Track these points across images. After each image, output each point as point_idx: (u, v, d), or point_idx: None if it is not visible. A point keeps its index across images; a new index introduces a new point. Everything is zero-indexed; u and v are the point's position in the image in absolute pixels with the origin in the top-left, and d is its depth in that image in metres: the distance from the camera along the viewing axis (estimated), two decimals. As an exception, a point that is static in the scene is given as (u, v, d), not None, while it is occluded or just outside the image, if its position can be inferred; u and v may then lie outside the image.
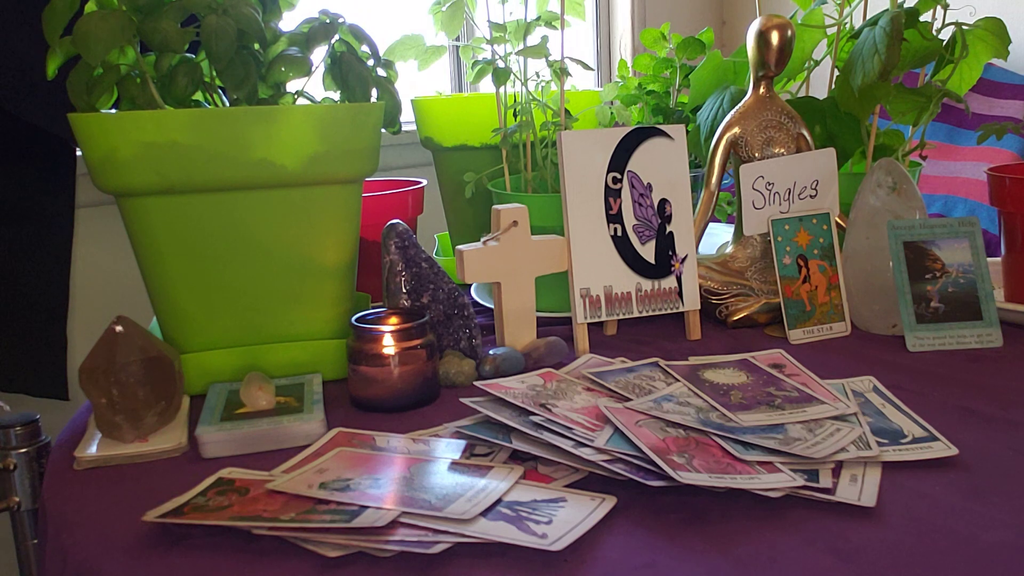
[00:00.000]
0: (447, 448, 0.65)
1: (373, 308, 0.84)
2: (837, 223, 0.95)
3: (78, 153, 1.18)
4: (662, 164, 0.90)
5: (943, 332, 0.86)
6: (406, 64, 1.03)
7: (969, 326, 0.86)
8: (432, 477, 0.59)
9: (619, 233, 0.88)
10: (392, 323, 0.78)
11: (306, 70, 0.81)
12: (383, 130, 0.84)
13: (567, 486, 0.59)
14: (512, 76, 0.98)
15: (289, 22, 0.86)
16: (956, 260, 0.88)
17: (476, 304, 1.05)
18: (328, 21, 0.83)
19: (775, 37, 0.93)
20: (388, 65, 0.90)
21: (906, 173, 0.91)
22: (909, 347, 0.86)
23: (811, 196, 0.95)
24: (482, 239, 0.83)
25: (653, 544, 0.53)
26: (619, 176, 0.88)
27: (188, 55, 0.79)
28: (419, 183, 1.17)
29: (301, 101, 0.85)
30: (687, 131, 0.98)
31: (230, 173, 0.75)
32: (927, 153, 1.07)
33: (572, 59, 0.97)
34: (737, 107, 0.98)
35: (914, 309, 0.87)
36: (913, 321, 0.87)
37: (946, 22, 0.96)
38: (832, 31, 1.05)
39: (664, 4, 2.29)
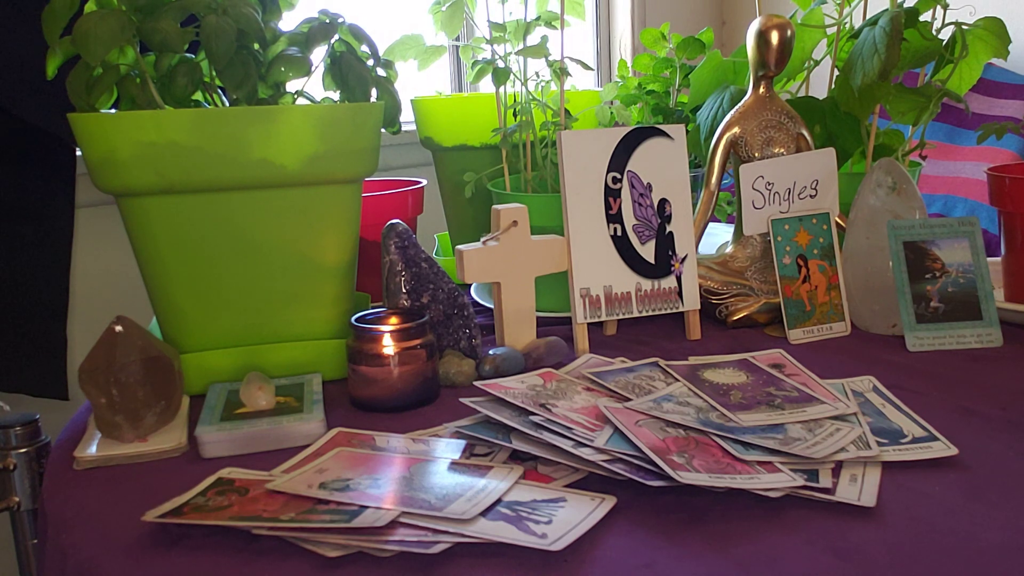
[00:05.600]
0: (447, 448, 0.65)
1: (373, 308, 0.84)
2: (837, 223, 0.95)
3: (78, 153, 1.18)
4: (662, 164, 0.90)
5: (943, 332, 0.86)
6: (406, 64, 1.03)
7: (969, 326, 0.86)
8: (432, 477, 0.59)
9: (619, 233, 0.88)
10: (392, 323, 0.78)
11: (306, 70, 0.81)
12: (383, 130, 0.84)
13: (567, 486, 0.59)
14: (512, 76, 0.98)
15: (289, 22, 0.86)
16: (956, 260, 0.88)
17: (476, 304, 1.05)
18: (328, 21, 0.83)
19: (775, 37, 0.93)
20: (388, 65, 0.90)
21: (906, 173, 0.91)
22: (909, 347, 0.86)
23: (811, 196, 0.95)
24: (482, 239, 0.83)
25: (653, 544, 0.53)
26: (619, 176, 0.88)
27: (188, 55, 0.79)
28: (419, 183, 1.17)
29: (301, 101, 0.85)
30: (687, 131, 0.98)
31: (230, 173, 0.75)
32: (927, 153, 1.07)
33: (572, 59, 0.97)
34: (737, 107, 0.98)
35: (914, 309, 0.87)
36: (913, 321, 0.87)
37: (946, 22, 0.96)
38: (832, 31, 1.05)
39: (664, 4, 2.29)
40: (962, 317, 0.87)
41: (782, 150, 0.95)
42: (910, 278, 0.87)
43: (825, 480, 0.58)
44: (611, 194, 0.88)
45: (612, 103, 1.18)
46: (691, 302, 0.92)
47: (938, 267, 0.88)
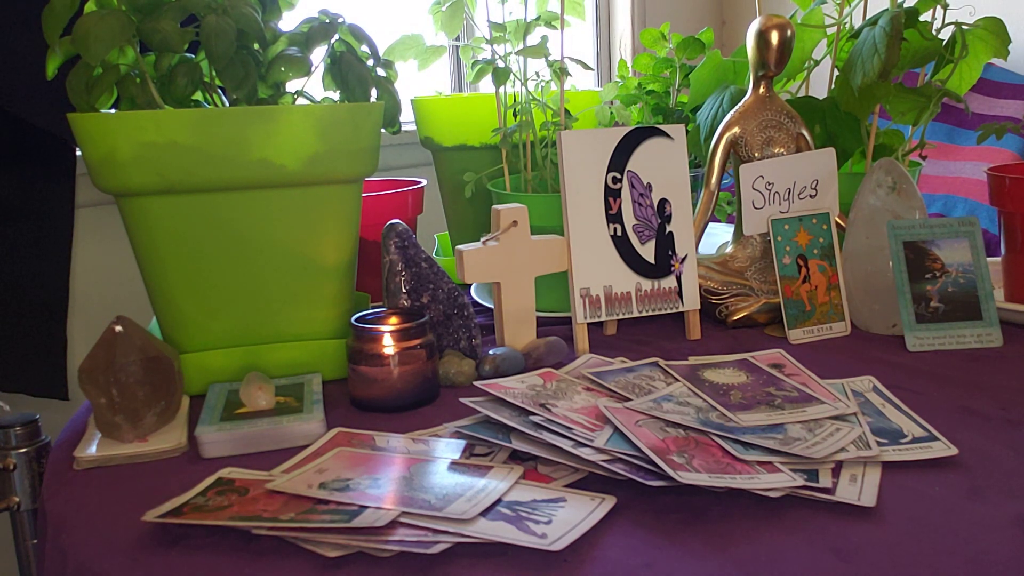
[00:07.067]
0: (447, 448, 0.65)
1: (373, 308, 0.84)
2: (837, 223, 0.95)
3: (78, 153, 1.18)
4: (662, 164, 0.90)
5: (943, 332, 0.86)
6: (406, 64, 1.03)
7: (969, 326, 0.86)
8: (432, 477, 0.59)
9: (619, 233, 0.88)
10: (392, 323, 0.78)
11: (306, 70, 0.81)
12: (383, 130, 0.84)
13: (567, 486, 0.59)
14: (512, 76, 0.98)
15: (289, 22, 0.86)
16: (956, 260, 0.88)
17: (476, 304, 1.05)
18: (328, 21, 0.83)
19: (775, 37, 0.93)
20: (388, 65, 0.90)
21: (906, 173, 0.91)
22: (909, 347, 0.86)
23: (811, 196, 0.95)
24: (482, 239, 0.83)
25: (653, 544, 0.53)
26: (619, 176, 0.88)
27: (188, 55, 0.79)
28: (419, 183, 1.17)
29: (301, 101, 0.85)
30: (687, 131, 0.98)
31: (230, 173, 0.75)
32: (927, 153, 1.07)
33: (572, 59, 0.97)
34: (737, 107, 0.98)
35: (914, 309, 0.87)
36: (913, 321, 0.87)
37: (946, 22, 0.96)
38: (832, 31, 1.05)
39: (664, 4, 2.29)
40: (962, 317, 0.86)
41: (782, 150, 0.95)
42: (910, 278, 0.87)
43: (825, 480, 0.58)
44: (611, 194, 0.88)
45: (612, 103, 1.18)
46: (691, 302, 0.92)
47: (938, 267, 0.88)
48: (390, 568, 0.51)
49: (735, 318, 0.95)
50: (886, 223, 0.89)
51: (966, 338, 0.86)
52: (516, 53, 0.99)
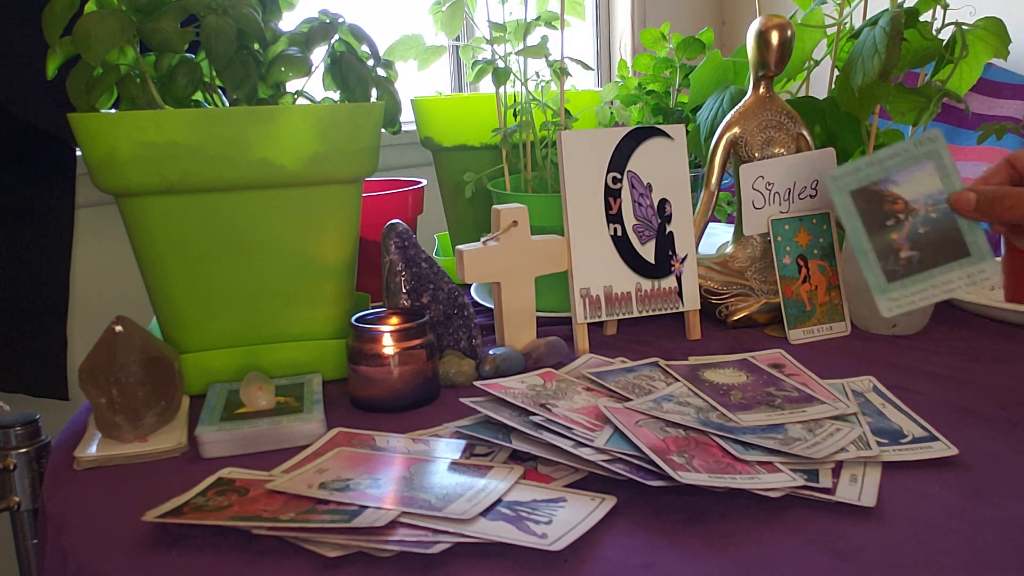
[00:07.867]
0: (447, 448, 0.65)
1: (373, 308, 0.84)
2: (837, 223, 0.95)
3: (78, 153, 1.18)
4: (662, 164, 0.90)
5: (923, 283, 0.73)
6: (406, 64, 1.03)
7: (956, 267, 0.72)
8: (432, 477, 0.59)
9: (619, 233, 0.88)
10: (392, 323, 0.78)
11: (306, 70, 0.81)
12: (383, 130, 0.84)
13: (567, 486, 0.59)
14: (512, 76, 0.98)
15: (289, 22, 0.86)
16: (922, 192, 0.72)
17: (476, 304, 1.05)
18: (328, 21, 0.83)
19: (775, 37, 0.93)
20: (388, 65, 0.90)
21: (906, 173, 0.91)
22: (884, 313, 0.75)
23: (811, 196, 0.95)
24: (482, 239, 0.83)
25: (653, 544, 0.53)
26: (619, 176, 0.88)
27: (188, 55, 0.79)
28: (419, 183, 1.17)
29: (301, 101, 0.85)
30: (687, 131, 0.98)
31: (230, 173, 0.75)
32: (927, 153, 1.07)
33: (572, 59, 0.97)
34: (737, 107, 0.98)
35: (881, 267, 0.74)
36: (883, 282, 0.74)
37: (946, 22, 0.96)
38: (832, 31, 1.05)
39: (664, 4, 2.29)
40: (945, 259, 0.73)
41: (782, 150, 0.95)
42: (868, 231, 0.73)
43: (825, 480, 0.58)
44: (611, 194, 0.88)
45: (612, 103, 1.18)
46: (691, 302, 0.92)
47: (900, 208, 0.74)
48: (390, 568, 0.51)
49: (735, 318, 0.95)
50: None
51: (953, 283, 0.72)
52: (516, 53, 0.99)
